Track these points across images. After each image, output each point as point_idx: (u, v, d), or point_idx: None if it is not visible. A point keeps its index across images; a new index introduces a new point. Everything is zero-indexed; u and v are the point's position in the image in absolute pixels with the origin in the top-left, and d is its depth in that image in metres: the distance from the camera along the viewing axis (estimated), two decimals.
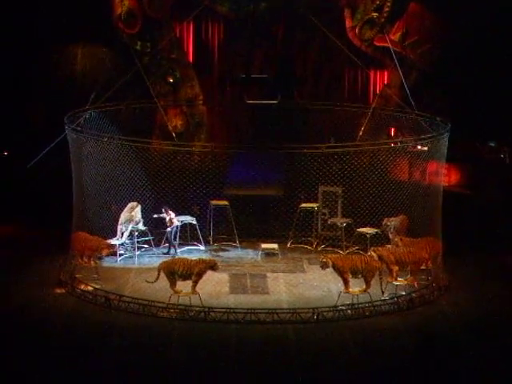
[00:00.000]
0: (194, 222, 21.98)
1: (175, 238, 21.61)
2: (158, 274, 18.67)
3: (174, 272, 18.40)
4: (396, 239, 20.25)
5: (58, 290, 19.51)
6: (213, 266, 18.68)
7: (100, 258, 20.42)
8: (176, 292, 18.33)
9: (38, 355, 16.11)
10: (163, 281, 18.60)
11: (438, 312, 18.56)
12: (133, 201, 21.25)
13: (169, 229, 21.46)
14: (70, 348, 16.48)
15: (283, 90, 25.21)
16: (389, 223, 20.95)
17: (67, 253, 20.36)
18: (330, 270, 18.80)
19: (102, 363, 15.91)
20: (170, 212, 21.42)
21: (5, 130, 25.75)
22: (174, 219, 21.44)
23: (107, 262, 20.87)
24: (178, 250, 21.59)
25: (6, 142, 26.30)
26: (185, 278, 18.45)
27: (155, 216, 21.52)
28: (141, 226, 21.39)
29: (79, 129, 20.48)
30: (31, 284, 19.71)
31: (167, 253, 21.53)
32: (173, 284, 18.40)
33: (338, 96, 26.46)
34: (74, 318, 17.98)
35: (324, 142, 20.39)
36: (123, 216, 21.11)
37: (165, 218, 21.50)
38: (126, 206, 21.19)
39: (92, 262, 19.91)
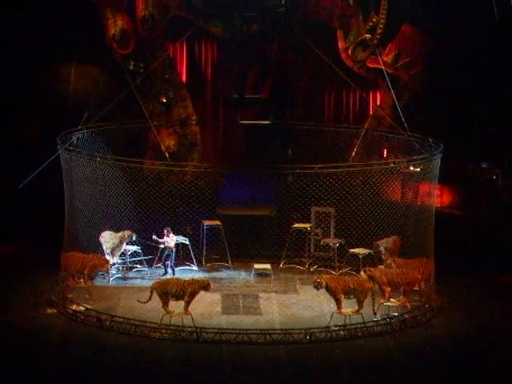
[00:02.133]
0: (187, 242, 21.93)
1: (169, 259, 21.38)
2: (151, 294, 18.59)
3: (168, 292, 18.34)
4: (389, 261, 20.23)
5: (50, 310, 19.41)
6: (205, 287, 18.63)
7: (93, 278, 20.30)
8: (168, 312, 18.24)
9: (29, 375, 15.99)
10: (155, 301, 18.52)
11: (431, 333, 18.52)
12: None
13: (166, 251, 21.23)
14: (60, 368, 16.36)
15: (276, 111, 25.28)
16: (380, 245, 20.92)
17: (58, 273, 20.25)
18: (322, 290, 18.75)
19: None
20: (172, 235, 21.22)
21: None
22: (172, 243, 21.22)
23: (99, 282, 20.78)
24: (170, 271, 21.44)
25: None
26: (178, 298, 18.39)
27: (154, 237, 21.20)
28: (133, 247, 21.30)
29: (72, 149, 20.46)
30: (22, 304, 19.59)
31: (164, 274, 21.33)
32: (165, 304, 18.33)
33: (331, 117, 26.55)
34: (66, 338, 17.86)
35: (317, 162, 20.38)
36: (109, 243, 20.97)
37: (161, 240, 21.23)
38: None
39: (89, 282, 19.81)
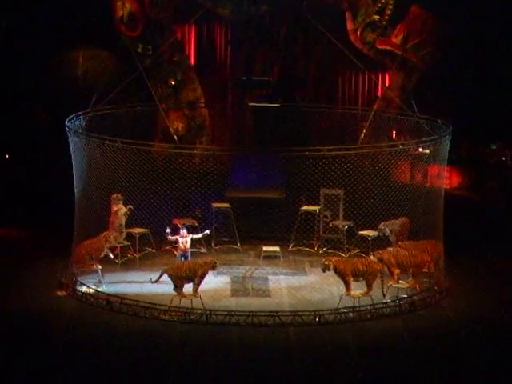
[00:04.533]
0: (196, 225, 21.94)
1: None
2: (160, 276, 18.63)
3: (181, 276, 18.35)
4: (397, 246, 20.16)
5: (60, 293, 19.50)
6: (214, 266, 18.69)
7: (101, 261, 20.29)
8: (183, 296, 18.25)
9: (39, 358, 16.09)
10: (165, 283, 18.59)
11: (440, 315, 18.54)
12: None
13: (180, 256, 20.07)
14: (71, 351, 16.46)
15: (285, 93, 25.24)
16: (384, 227, 20.83)
17: (68, 257, 20.29)
18: (331, 272, 18.78)
19: (103, 366, 15.89)
20: (188, 234, 20.09)
21: (6, 134, 25.78)
22: (188, 246, 20.05)
23: (109, 265, 20.82)
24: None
25: (7, 145, 26.34)
26: (189, 280, 18.43)
27: (168, 231, 20.10)
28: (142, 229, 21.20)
29: (80, 132, 20.47)
30: (32, 287, 19.69)
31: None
32: (180, 288, 18.31)
33: (340, 98, 26.51)
34: (76, 321, 17.95)
35: (325, 144, 20.33)
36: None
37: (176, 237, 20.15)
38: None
39: (97, 265, 19.78)
